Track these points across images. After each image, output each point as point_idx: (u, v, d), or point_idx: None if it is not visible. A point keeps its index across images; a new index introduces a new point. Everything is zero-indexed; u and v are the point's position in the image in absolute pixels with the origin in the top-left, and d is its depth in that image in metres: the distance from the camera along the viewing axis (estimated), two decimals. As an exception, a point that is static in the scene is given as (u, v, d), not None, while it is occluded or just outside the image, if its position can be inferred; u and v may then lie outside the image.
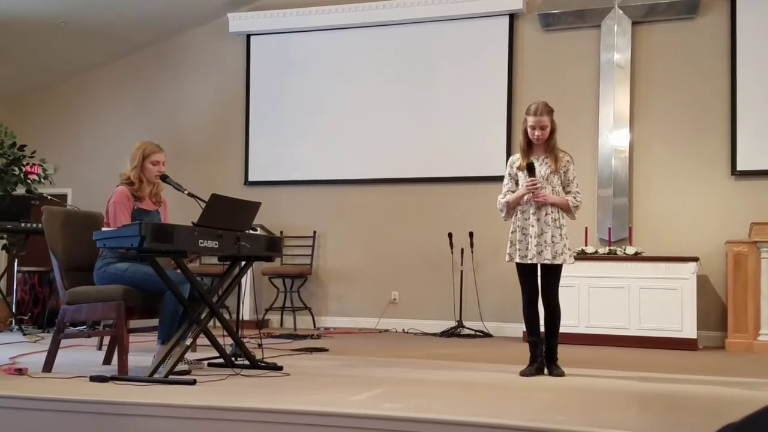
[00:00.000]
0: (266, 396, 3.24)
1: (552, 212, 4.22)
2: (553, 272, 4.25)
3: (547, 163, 4.26)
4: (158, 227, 3.67)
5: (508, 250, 4.30)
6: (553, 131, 4.25)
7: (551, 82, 7.40)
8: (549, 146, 4.27)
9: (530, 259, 4.20)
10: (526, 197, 4.23)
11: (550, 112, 4.23)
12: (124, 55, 8.94)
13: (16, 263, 7.18)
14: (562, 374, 4.15)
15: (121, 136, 8.36)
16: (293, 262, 8.07)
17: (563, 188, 4.29)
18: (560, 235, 4.21)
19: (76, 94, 9.14)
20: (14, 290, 7.12)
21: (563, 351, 4.35)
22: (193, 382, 3.55)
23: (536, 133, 4.21)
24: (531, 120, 4.22)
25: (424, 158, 7.85)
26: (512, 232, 4.30)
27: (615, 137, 7.24)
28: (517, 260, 4.26)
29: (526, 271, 4.29)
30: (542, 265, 4.24)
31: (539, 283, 4.29)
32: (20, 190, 7.30)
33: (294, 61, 8.40)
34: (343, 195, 8.13)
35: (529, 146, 4.30)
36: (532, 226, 4.21)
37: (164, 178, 4.36)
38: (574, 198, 4.28)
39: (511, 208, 4.30)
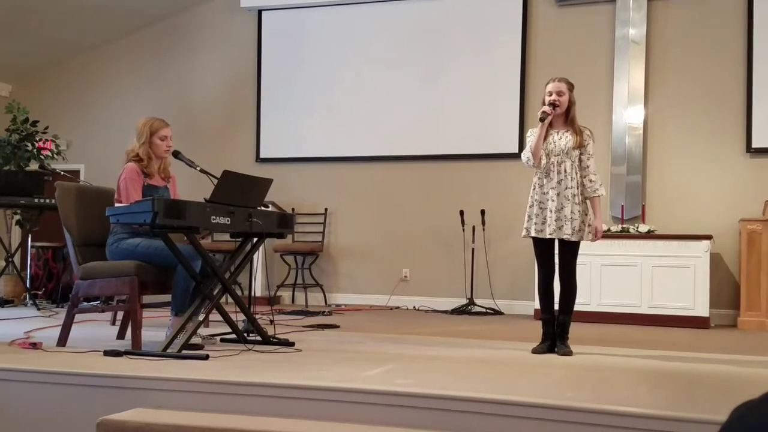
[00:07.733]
0: (278, 371, 3.26)
1: (572, 187, 4.18)
2: (571, 248, 4.21)
3: (566, 137, 4.23)
4: (171, 203, 3.68)
5: (525, 224, 4.26)
6: (571, 104, 4.24)
7: (565, 58, 7.31)
8: (568, 119, 4.25)
9: (549, 234, 4.16)
10: (546, 119, 4.13)
11: (569, 84, 4.26)
12: (135, 30, 8.92)
13: (29, 239, 7.24)
14: (568, 353, 4.11)
15: (133, 112, 8.31)
16: (305, 239, 8.09)
17: (579, 164, 4.23)
18: (579, 211, 4.17)
19: (89, 70, 9.13)
20: (28, 265, 7.18)
21: (575, 329, 4.33)
22: (206, 357, 3.58)
23: (553, 96, 4.20)
24: (550, 86, 4.23)
25: (436, 135, 7.80)
26: (530, 206, 4.26)
27: (629, 114, 7.18)
28: (533, 234, 4.22)
29: (543, 247, 4.26)
30: (560, 241, 4.20)
31: (557, 260, 4.26)
32: (33, 166, 7.34)
33: (306, 36, 8.34)
34: (355, 172, 8.11)
35: None
36: (552, 200, 4.16)
37: (176, 154, 4.37)
38: (591, 185, 4.20)
39: (536, 152, 4.16)
